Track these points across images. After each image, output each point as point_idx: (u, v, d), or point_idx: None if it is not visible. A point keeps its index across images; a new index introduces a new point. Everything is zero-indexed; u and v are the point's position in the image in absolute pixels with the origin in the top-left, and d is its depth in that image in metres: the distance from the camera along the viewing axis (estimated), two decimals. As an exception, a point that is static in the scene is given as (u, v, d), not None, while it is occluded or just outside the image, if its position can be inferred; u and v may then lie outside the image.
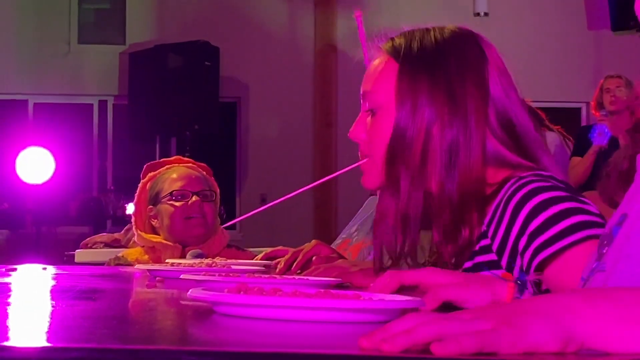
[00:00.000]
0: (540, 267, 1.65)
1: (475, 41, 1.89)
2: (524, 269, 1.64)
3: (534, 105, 7.14)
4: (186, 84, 9.46)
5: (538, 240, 1.65)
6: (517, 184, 1.73)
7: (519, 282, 1.52)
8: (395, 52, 1.88)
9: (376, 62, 1.93)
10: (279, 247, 2.77)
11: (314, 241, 2.58)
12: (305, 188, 2.64)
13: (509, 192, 1.73)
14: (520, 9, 10.39)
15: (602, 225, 1.63)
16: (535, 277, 1.54)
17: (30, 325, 1.31)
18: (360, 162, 1.94)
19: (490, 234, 1.74)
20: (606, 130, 6.54)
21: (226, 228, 3.56)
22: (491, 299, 1.50)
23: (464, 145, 1.78)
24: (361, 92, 1.94)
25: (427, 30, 1.91)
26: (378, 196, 1.94)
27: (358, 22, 1.96)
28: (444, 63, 1.83)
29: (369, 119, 1.91)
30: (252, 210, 2.89)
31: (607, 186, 2.51)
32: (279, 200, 2.57)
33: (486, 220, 1.75)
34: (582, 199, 1.70)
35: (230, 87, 10.21)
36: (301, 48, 10.44)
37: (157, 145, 10.00)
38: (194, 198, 3.41)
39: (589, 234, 1.62)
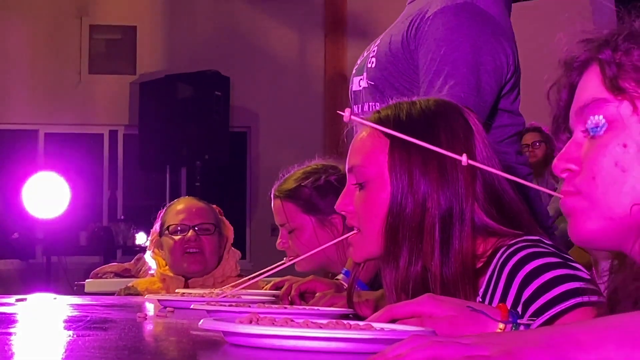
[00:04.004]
0: None
1: (459, 112, 1.88)
2: None
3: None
4: (196, 114, 9.47)
5: (531, 309, 1.64)
6: (507, 253, 1.72)
7: (511, 322, 1.52)
8: (382, 125, 1.86)
9: (362, 135, 1.92)
10: (288, 277, 2.78)
11: (311, 276, 2.61)
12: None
13: (500, 261, 1.72)
14: (528, 29, 10.39)
15: (592, 292, 1.62)
16: (528, 320, 1.53)
17: (43, 356, 1.31)
18: (349, 234, 1.92)
19: None
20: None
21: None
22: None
23: (456, 220, 1.78)
24: (348, 167, 1.93)
25: (413, 102, 1.91)
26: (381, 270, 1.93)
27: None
28: (434, 136, 1.81)
29: (357, 192, 1.90)
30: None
31: None
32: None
33: (481, 292, 1.75)
34: (573, 264, 1.69)
35: (241, 117, 10.23)
36: (311, 78, 10.46)
37: (168, 175, 10.01)
38: (190, 232, 3.45)
39: (579, 302, 1.61)
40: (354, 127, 2.62)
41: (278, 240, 3.06)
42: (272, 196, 3.10)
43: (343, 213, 1.94)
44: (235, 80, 9.88)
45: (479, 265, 1.78)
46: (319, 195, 2.93)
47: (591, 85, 1.31)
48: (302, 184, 3.00)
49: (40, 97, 10.03)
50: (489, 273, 1.74)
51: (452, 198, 1.78)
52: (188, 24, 10.34)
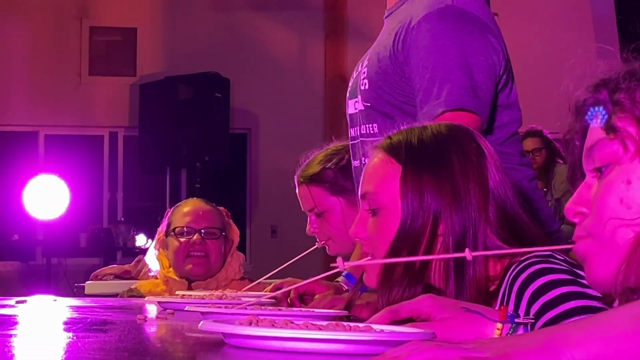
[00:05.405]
0: None
1: (471, 136, 1.88)
2: None
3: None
4: (196, 116, 9.48)
5: (537, 325, 1.64)
6: (517, 269, 1.70)
7: (510, 322, 1.51)
8: (394, 152, 1.85)
9: (374, 161, 1.90)
10: (288, 279, 2.78)
11: (310, 279, 2.60)
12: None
13: (511, 278, 1.71)
14: (532, 10, 10.34)
15: (601, 310, 1.61)
16: (526, 319, 1.53)
17: (43, 357, 1.31)
18: (363, 261, 1.91)
19: None
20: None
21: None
22: (474, 339, 1.50)
23: (470, 245, 1.75)
24: (361, 193, 1.91)
25: (424, 127, 1.90)
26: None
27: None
28: (447, 161, 1.81)
29: (371, 218, 1.89)
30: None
31: None
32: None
33: None
34: (584, 281, 1.68)
35: (241, 119, 10.23)
36: (311, 79, 10.46)
37: (168, 177, 10.01)
38: (196, 236, 3.44)
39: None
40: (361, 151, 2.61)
41: (308, 227, 3.05)
42: (296, 183, 3.09)
43: (357, 240, 1.93)
44: (235, 82, 9.87)
45: (493, 288, 1.77)
46: (343, 175, 2.92)
47: (596, 126, 1.31)
48: (326, 166, 3.00)
49: (41, 98, 10.03)
50: (501, 292, 1.74)
51: (466, 223, 1.77)
52: (188, 25, 10.34)
